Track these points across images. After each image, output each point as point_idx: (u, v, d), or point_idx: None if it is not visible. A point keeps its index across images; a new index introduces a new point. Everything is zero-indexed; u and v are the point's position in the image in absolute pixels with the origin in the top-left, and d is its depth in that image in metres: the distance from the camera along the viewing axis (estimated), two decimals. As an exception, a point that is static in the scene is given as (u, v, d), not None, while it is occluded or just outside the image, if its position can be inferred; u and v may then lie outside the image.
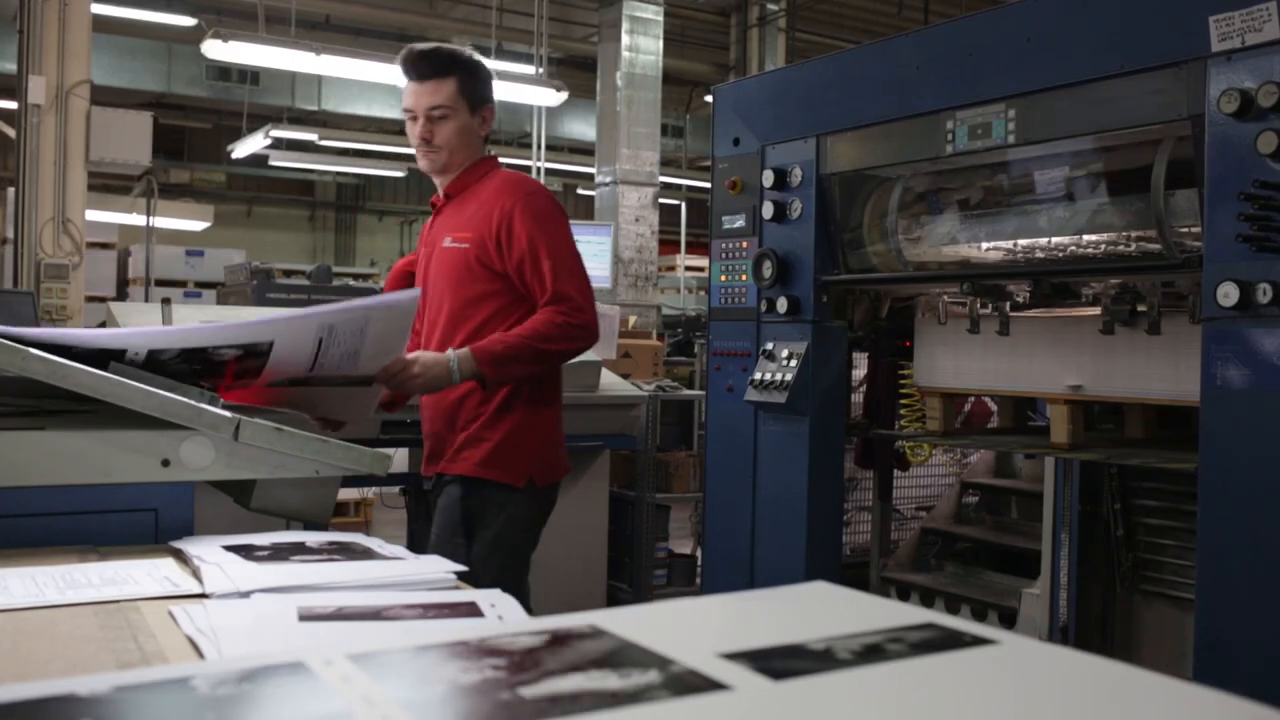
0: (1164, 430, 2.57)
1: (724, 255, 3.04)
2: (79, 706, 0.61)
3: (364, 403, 2.13)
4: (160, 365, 1.56)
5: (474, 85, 2.52)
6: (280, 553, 1.44)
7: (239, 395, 1.77)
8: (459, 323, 2.46)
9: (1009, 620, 3.00)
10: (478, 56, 2.60)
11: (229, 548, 1.45)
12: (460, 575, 1.30)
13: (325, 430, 2.18)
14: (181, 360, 1.59)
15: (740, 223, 3.00)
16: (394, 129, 14.50)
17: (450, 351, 2.34)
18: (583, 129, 13.14)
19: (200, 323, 1.72)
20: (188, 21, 10.62)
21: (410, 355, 2.22)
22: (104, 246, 10.23)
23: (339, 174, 17.43)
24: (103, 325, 4.52)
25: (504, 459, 2.44)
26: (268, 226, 18.47)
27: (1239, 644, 1.94)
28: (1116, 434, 2.67)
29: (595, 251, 7.72)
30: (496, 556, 2.42)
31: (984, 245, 2.57)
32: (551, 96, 8.64)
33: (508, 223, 2.41)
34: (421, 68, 2.49)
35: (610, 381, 4.40)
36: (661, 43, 10.05)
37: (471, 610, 1.19)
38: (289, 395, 1.85)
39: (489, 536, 2.44)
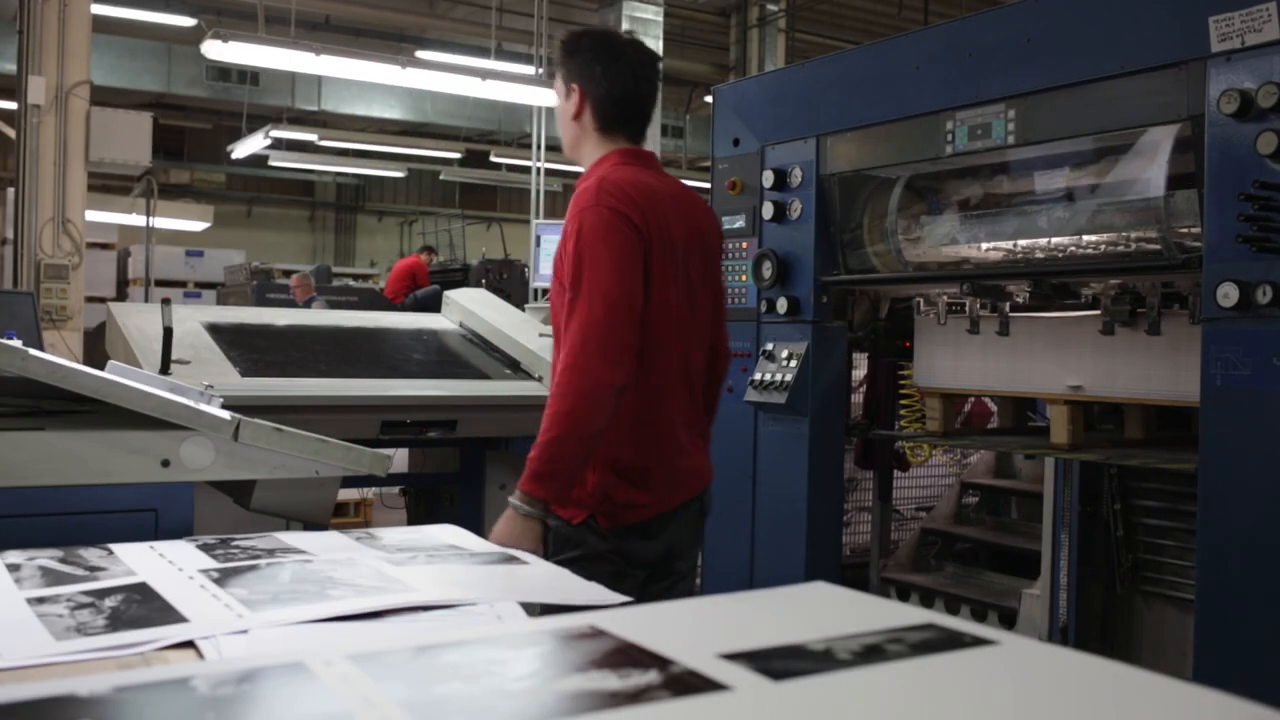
0: (1164, 430, 2.56)
1: (724, 255, 3.03)
2: (79, 706, 0.61)
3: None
4: None
5: (563, 69, 2.23)
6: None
7: None
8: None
9: (1009, 620, 2.99)
10: (582, 33, 2.28)
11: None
12: None
13: None
14: None
15: (740, 223, 3.00)
16: (394, 129, 14.50)
17: (511, 499, 1.93)
18: (583, 129, 13.11)
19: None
20: (188, 22, 10.62)
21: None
22: (104, 247, 10.24)
23: (339, 174, 17.42)
24: (103, 325, 4.52)
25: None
26: (268, 227, 18.46)
27: (1239, 644, 1.94)
28: (1116, 434, 2.66)
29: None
30: None
31: (984, 245, 2.57)
32: (551, 97, 8.59)
33: (567, 243, 2.02)
34: None
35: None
36: (661, 43, 10.03)
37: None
38: None
39: None
